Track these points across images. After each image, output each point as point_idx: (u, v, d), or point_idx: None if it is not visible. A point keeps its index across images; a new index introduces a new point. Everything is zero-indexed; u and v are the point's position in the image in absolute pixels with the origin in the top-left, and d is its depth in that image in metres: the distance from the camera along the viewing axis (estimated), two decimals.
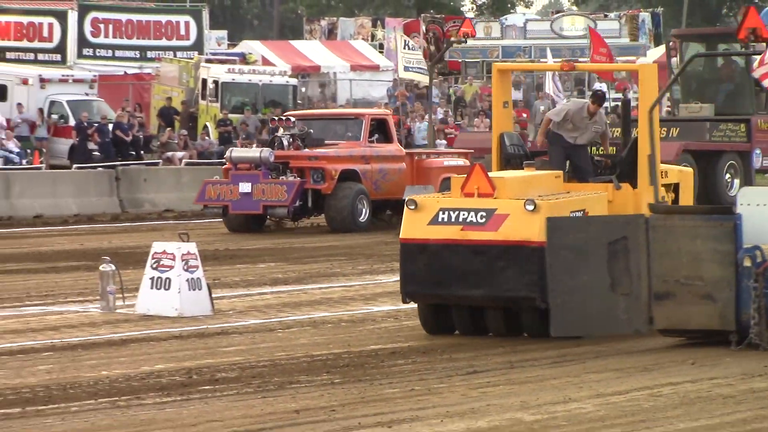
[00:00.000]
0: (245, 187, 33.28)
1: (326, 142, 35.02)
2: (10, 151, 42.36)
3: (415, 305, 19.42)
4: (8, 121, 44.57)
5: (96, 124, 43.94)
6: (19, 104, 47.18)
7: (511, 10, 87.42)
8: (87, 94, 49.36)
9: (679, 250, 17.90)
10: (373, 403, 14.53)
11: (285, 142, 35.25)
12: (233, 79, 54.09)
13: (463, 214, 18.37)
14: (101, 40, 56.71)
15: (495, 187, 18.47)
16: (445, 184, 31.90)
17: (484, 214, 18.27)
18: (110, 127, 42.14)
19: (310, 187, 33.50)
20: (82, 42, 57.82)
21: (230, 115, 52.06)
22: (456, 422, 13.18)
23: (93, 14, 59.16)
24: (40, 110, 47.41)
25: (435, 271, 18.65)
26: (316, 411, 13.89)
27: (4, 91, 48.36)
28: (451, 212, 18.47)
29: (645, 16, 75.42)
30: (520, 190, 18.79)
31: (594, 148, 22.99)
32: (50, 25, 57.65)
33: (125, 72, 56.75)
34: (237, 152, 37.24)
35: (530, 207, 18.01)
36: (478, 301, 18.70)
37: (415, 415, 13.49)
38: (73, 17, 57.30)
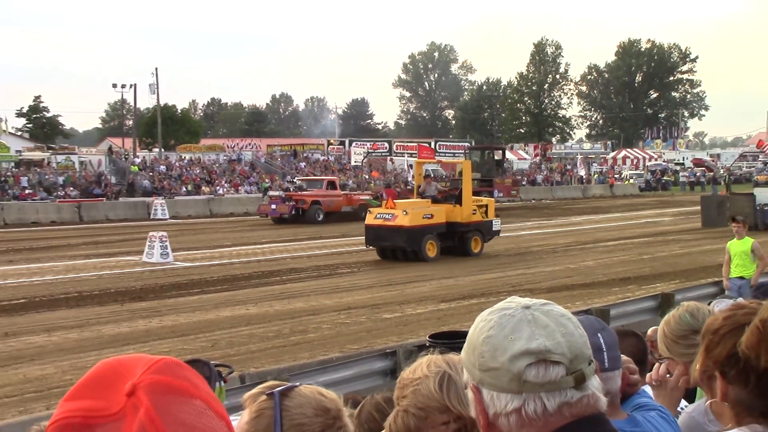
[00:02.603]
0: (273, 206, 46.00)
1: (308, 189, 47.75)
2: None
3: (373, 248, 28.10)
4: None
5: None
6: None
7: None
8: None
9: None
10: None
11: (291, 189, 49.64)
12: None
13: (384, 215, 27.50)
14: None
15: (396, 205, 27.72)
16: (361, 207, 43.50)
17: (390, 215, 27.24)
18: None
19: (299, 206, 45.11)
20: None
21: None
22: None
23: None
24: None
25: (375, 236, 27.65)
26: None
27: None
28: (381, 214, 27.69)
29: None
30: (407, 207, 27.54)
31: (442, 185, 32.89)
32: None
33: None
34: (271, 192, 51.01)
35: (405, 213, 26.98)
36: (390, 247, 27.53)
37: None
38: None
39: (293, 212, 44.72)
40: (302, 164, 74.42)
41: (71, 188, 56.16)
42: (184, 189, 60.27)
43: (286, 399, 2.23)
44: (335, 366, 11.83)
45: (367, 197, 48.37)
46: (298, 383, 2.32)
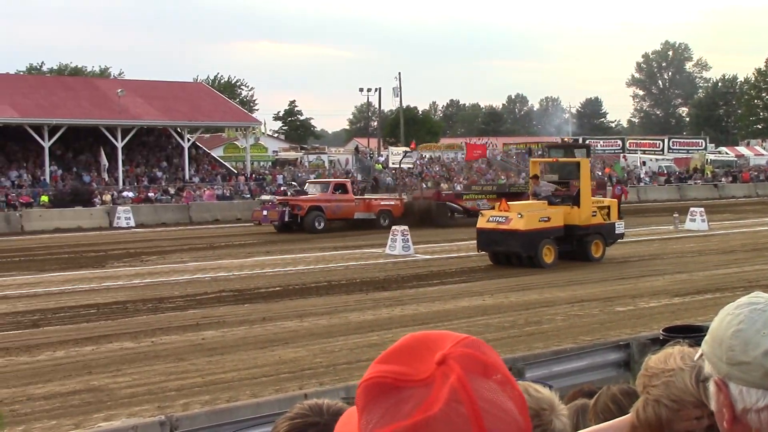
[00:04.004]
0: (265, 212, 38.55)
1: (310, 193, 39.92)
2: None
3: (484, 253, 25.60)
4: None
5: None
6: None
7: None
8: None
9: None
10: None
11: (289, 193, 43.53)
12: None
13: (497, 218, 24.85)
14: None
15: (510, 207, 24.87)
16: (383, 214, 39.52)
17: (504, 218, 24.57)
18: None
19: (296, 213, 37.67)
20: None
21: None
22: None
23: None
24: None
25: (487, 240, 24.97)
26: None
27: None
28: (494, 217, 25.02)
29: None
30: (521, 209, 24.80)
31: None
32: None
33: None
34: (263, 197, 44.59)
35: (519, 216, 24.33)
36: (503, 252, 24.85)
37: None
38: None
39: (285, 219, 37.65)
40: None
41: None
42: (425, 185, 61.02)
43: None
44: (569, 356, 11.64)
45: (393, 202, 41.39)
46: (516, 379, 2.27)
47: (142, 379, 12.61)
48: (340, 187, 40.26)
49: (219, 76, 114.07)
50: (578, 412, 3.19)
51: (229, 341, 15.23)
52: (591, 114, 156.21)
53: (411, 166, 60.23)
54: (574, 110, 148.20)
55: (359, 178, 62.39)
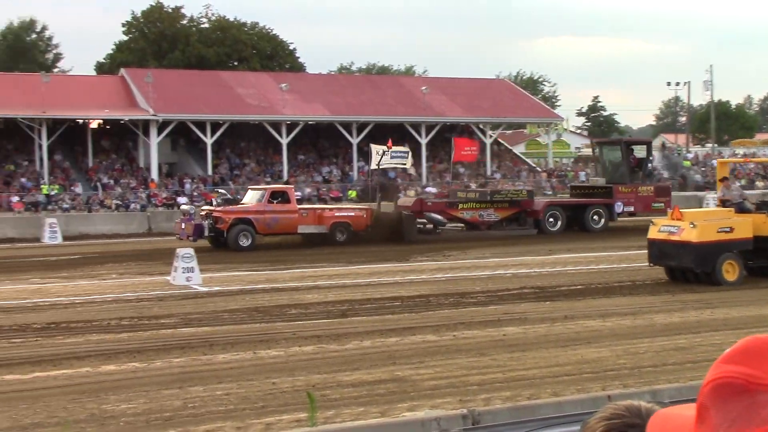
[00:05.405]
0: (183, 225, 33.37)
1: (246, 201, 34.35)
2: None
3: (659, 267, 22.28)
4: None
5: None
6: None
7: None
8: None
9: None
10: None
11: (214, 203, 37.68)
12: None
13: (669, 228, 21.60)
14: None
15: (683, 216, 21.60)
16: (339, 228, 33.57)
17: (676, 228, 21.29)
18: None
19: (219, 226, 32.34)
20: None
21: None
22: None
23: None
24: None
25: (659, 253, 21.80)
26: None
27: None
28: (665, 226, 21.74)
29: None
30: (696, 218, 21.65)
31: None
32: None
33: None
34: (183, 207, 38.81)
35: (692, 225, 20.91)
36: (675, 266, 21.70)
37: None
38: None
39: (203, 234, 32.82)
40: None
41: None
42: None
43: None
44: None
45: (352, 213, 34.86)
46: None
47: (444, 372, 12.82)
48: (279, 196, 33.96)
49: (521, 72, 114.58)
50: None
51: (530, 338, 15.20)
52: None
53: (406, 167, 48.42)
54: None
55: (665, 175, 60.46)
